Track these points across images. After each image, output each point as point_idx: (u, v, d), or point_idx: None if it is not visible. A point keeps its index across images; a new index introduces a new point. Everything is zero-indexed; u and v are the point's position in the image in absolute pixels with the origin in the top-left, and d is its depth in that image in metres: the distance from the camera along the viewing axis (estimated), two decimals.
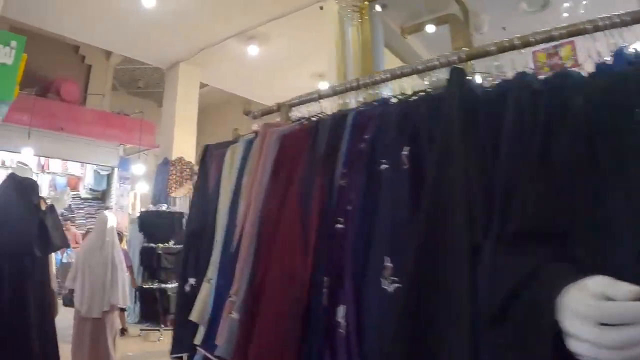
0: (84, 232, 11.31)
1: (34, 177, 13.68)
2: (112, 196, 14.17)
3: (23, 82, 10.66)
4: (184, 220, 9.28)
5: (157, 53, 11.49)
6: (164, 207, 9.12)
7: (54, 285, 4.65)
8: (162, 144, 11.36)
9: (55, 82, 13.18)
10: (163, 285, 8.73)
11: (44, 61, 13.40)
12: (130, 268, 8.32)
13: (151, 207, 9.35)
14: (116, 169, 14.13)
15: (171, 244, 8.99)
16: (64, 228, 5.91)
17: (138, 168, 13.19)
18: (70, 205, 14.38)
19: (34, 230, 4.27)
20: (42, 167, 14.43)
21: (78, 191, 14.87)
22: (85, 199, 14.77)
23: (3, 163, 13.94)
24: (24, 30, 13.16)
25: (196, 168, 10.62)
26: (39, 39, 12.82)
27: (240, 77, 12.64)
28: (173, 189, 10.32)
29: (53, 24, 10.56)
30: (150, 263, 8.72)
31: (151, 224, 8.90)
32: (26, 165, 4.87)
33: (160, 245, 8.79)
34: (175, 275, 8.78)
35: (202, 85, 12.65)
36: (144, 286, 8.75)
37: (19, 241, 4.18)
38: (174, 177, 10.43)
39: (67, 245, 5.50)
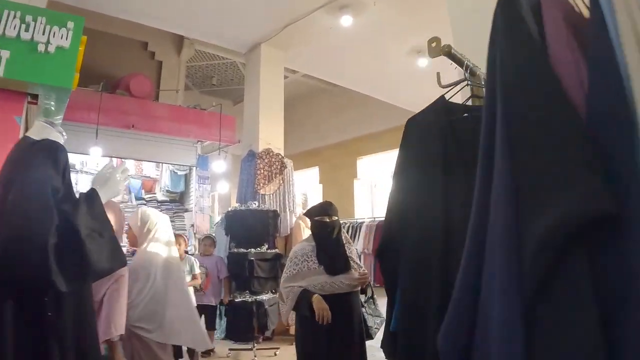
0: None
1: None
2: (191, 197, 12.83)
3: (89, 79, 9.64)
4: (279, 220, 7.70)
5: (233, 34, 10.17)
6: (254, 205, 7.46)
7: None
8: (245, 136, 9.87)
9: (125, 77, 11.96)
10: (258, 298, 7.11)
11: (111, 59, 12.63)
12: (227, 279, 7.32)
13: (238, 206, 7.70)
14: (194, 169, 12.76)
15: (264, 248, 7.38)
16: (124, 232, 4.31)
17: (218, 165, 11.71)
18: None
19: (50, 242, 2.11)
20: None
21: (154, 193, 13.60)
22: (162, 202, 13.48)
23: (73, 167, 12.85)
24: (90, 29, 12.33)
25: (287, 161, 9.14)
26: (105, 37, 12.32)
27: (329, 58, 11.19)
28: (261, 184, 8.76)
29: (115, 6, 9.43)
30: (240, 272, 7.11)
31: (240, 226, 7.30)
32: (52, 124, 2.84)
33: (253, 250, 7.18)
34: (269, 284, 7.22)
35: (285, 76, 11.04)
36: (235, 299, 7.13)
37: (24, 264, 2.11)
38: (262, 171, 8.88)
39: (122, 264, 2.41)
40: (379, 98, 13.98)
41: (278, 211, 7.99)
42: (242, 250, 7.19)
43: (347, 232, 14.38)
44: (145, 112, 11.33)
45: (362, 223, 14.59)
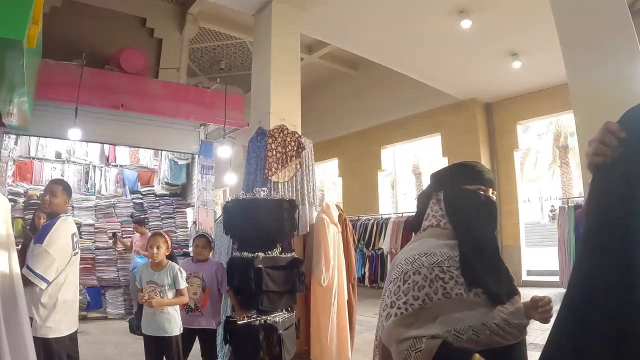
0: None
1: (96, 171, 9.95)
2: (194, 190, 10.91)
3: (79, 58, 8.73)
4: (297, 214, 5.69)
5: None
6: (263, 193, 5.35)
7: None
8: (254, 111, 7.84)
9: (115, 52, 10.11)
10: (268, 319, 5.02)
11: (105, 36, 10.90)
12: (230, 293, 5.25)
13: (242, 195, 5.58)
14: (197, 157, 10.84)
15: (276, 252, 5.33)
16: None
17: (224, 151, 9.74)
18: (142, 204, 11.31)
19: None
20: (107, 158, 11.34)
21: (152, 186, 11.79)
22: (161, 196, 11.64)
23: (59, 156, 10.99)
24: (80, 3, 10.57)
25: (306, 141, 7.09)
26: (99, 12, 11.16)
27: (351, 22, 9.40)
28: (273, 170, 6.75)
29: None
30: (244, 284, 5.00)
31: (244, 221, 5.16)
32: None
33: (261, 254, 5.06)
34: (284, 301, 5.24)
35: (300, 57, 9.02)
36: (237, 319, 5.02)
37: None
38: (274, 153, 6.88)
39: None
40: (409, 75, 11.90)
41: (295, 201, 5.92)
42: (246, 254, 5.07)
43: (372, 229, 12.65)
44: (137, 89, 9.58)
45: (388, 219, 12.78)
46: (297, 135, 7.12)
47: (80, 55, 8.70)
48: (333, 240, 6.28)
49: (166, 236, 4.75)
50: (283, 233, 5.23)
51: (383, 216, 13.37)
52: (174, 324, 4.42)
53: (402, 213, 13.27)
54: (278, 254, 5.29)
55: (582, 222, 2.12)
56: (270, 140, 6.90)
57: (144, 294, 4.38)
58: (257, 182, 6.77)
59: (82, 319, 7.34)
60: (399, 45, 10.26)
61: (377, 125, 15.23)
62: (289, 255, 5.46)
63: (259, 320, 4.98)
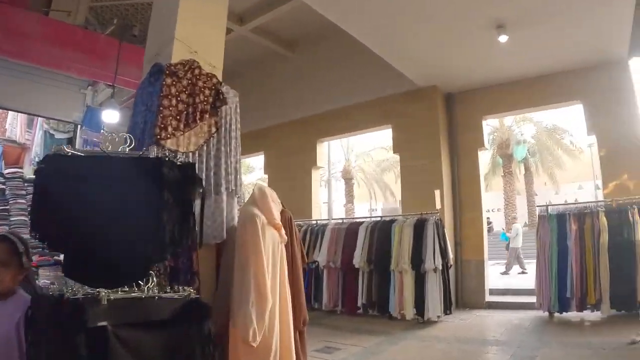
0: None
1: None
2: None
3: None
4: (199, 204, 2.64)
5: None
6: (115, 146, 2.30)
7: None
8: (151, 37, 4.92)
9: None
10: None
11: None
12: None
13: (68, 151, 2.47)
14: (79, 128, 7.69)
15: (149, 287, 2.29)
16: None
17: (109, 116, 6.67)
18: (4, 191, 7.90)
19: None
20: None
21: (20, 167, 8.50)
22: (32, 182, 8.17)
23: None
24: None
25: (229, 92, 4.02)
26: None
27: None
28: (169, 129, 3.70)
29: None
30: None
31: (70, 210, 2.11)
32: None
33: (108, 294, 2.02)
34: None
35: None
36: None
37: None
38: (174, 102, 3.83)
39: None
40: (372, 48, 9.29)
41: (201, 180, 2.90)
42: (75, 289, 2.05)
43: (305, 238, 10.00)
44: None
45: (325, 226, 10.24)
46: (215, 81, 4.15)
47: None
48: (272, 256, 3.40)
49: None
50: (162, 242, 2.21)
51: (318, 222, 10.74)
52: None
53: (342, 219, 10.58)
54: (152, 293, 2.26)
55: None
56: (169, 81, 3.88)
57: None
58: (145, 141, 3.76)
59: None
60: (370, 7, 7.74)
61: (314, 115, 12.48)
62: (182, 294, 2.39)
63: None
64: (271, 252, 3.44)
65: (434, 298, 8.37)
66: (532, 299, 8.91)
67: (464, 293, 10.22)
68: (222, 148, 4.17)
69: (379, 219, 9.94)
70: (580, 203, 9.14)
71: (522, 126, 24.45)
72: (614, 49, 9.09)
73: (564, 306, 8.14)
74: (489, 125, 22.66)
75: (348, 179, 30.09)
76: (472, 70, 10.07)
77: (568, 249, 8.19)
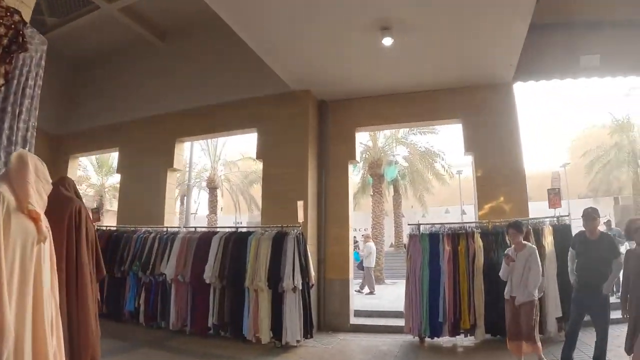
0: None
1: None
2: None
3: None
4: None
5: None
6: None
7: None
8: None
9: None
10: None
11: None
12: None
13: None
14: None
15: None
16: None
17: None
18: None
19: None
20: None
21: None
22: None
23: None
24: None
25: (33, 33, 2.86)
26: None
27: None
28: None
29: None
30: None
31: None
32: None
33: None
34: None
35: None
36: None
37: None
38: None
39: None
40: (250, 42, 8.27)
41: None
42: None
43: (152, 247, 8.84)
44: None
45: (175, 234, 8.99)
46: (17, 19, 2.89)
47: None
48: (20, 261, 2.20)
49: None
50: None
51: (169, 230, 9.44)
52: None
53: (194, 227, 9.31)
54: None
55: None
56: None
57: None
58: None
59: None
60: None
61: (176, 111, 11.10)
62: None
63: None
64: (18, 254, 2.22)
65: (292, 320, 7.44)
66: (401, 322, 8.22)
67: (326, 315, 9.32)
68: (9, 107, 2.91)
69: (234, 229, 8.79)
70: (455, 223, 8.53)
71: (395, 148, 24.44)
72: (501, 71, 8.88)
73: (435, 331, 7.59)
74: (362, 144, 22.38)
75: (213, 188, 28.42)
76: (350, 77, 9.32)
77: (441, 270, 7.65)
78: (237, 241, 8.12)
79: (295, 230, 7.87)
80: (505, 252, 6.26)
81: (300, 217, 8.33)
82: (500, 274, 6.23)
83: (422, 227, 8.21)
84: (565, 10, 8.93)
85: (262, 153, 10.03)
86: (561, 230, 7.56)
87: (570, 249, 6.05)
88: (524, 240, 6.28)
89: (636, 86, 22.21)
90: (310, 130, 9.69)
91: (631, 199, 31.39)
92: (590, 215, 5.69)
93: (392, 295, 14.69)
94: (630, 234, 5.51)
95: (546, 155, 50.16)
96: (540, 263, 6.03)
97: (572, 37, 9.05)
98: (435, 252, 7.83)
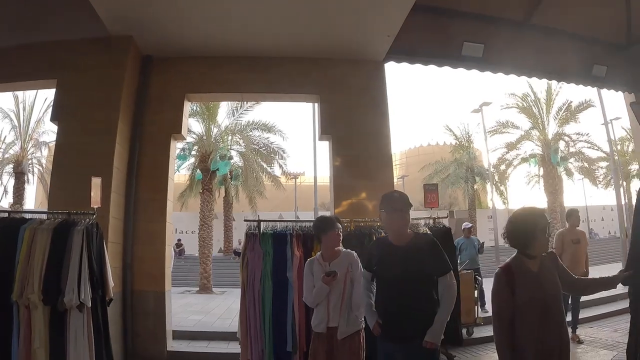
0: None
1: None
2: None
3: None
4: None
5: None
6: None
7: None
8: None
9: None
10: None
11: None
12: None
13: None
14: None
15: None
16: None
17: None
18: None
19: None
20: None
21: None
22: None
23: None
24: None
25: None
26: None
27: None
28: None
29: None
30: None
31: None
32: None
33: None
34: None
35: None
36: None
37: None
38: None
39: None
40: None
41: None
42: None
43: None
44: None
45: None
46: None
47: None
48: None
49: None
50: None
51: None
52: None
53: None
54: None
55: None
56: None
57: None
58: None
59: None
60: None
61: None
62: None
63: None
64: None
65: (80, 351, 4.85)
66: (235, 346, 6.05)
67: (135, 340, 6.85)
68: None
69: (6, 214, 5.80)
70: (309, 221, 6.32)
71: (231, 140, 22.45)
72: (375, 47, 7.70)
73: None
74: (193, 134, 20.19)
75: (19, 173, 23.88)
76: (186, 27, 7.13)
77: (289, 283, 5.47)
78: (3, 232, 5.23)
79: (87, 221, 5.22)
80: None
81: (96, 202, 5.54)
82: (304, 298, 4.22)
83: (263, 225, 5.88)
84: None
85: (59, 114, 7.13)
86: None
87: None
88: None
89: (488, 102, 23.25)
90: (125, 89, 7.09)
91: (466, 213, 33.27)
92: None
93: (221, 307, 12.44)
94: None
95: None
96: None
97: (457, 25, 8.35)
98: (281, 258, 5.61)
